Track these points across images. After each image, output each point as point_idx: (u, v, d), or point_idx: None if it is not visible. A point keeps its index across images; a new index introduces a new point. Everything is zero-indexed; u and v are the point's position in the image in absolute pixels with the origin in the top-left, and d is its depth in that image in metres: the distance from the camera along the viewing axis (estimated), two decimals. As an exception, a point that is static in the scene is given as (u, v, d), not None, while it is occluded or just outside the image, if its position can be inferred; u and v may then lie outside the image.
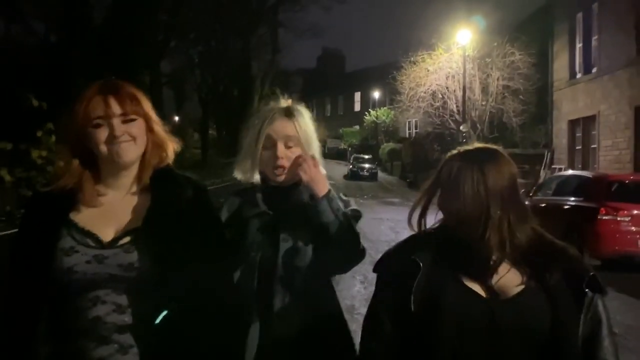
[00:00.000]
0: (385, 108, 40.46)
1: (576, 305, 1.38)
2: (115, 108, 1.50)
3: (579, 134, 18.17)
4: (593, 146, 17.12)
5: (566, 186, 9.77)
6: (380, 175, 33.49)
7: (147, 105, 1.57)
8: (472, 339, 1.36)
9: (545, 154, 19.71)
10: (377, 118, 40.80)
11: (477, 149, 1.50)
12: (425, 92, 23.11)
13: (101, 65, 10.61)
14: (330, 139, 44.57)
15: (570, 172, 12.48)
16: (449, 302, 1.38)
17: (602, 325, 1.41)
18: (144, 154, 1.57)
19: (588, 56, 17.71)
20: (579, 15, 18.06)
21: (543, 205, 10.00)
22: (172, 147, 1.61)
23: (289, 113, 1.87)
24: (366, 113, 42.92)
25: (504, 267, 1.42)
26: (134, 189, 1.58)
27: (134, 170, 1.58)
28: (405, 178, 30.61)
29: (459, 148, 1.54)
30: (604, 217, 8.21)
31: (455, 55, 22.23)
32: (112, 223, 1.53)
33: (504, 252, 1.41)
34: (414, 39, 24.28)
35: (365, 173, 31.25)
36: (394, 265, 1.51)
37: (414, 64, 23.48)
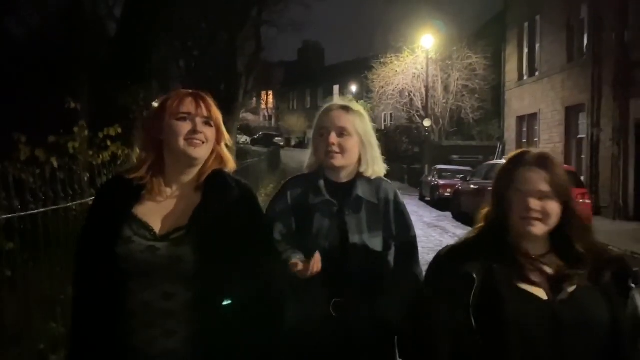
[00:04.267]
0: (362, 101, 42.40)
1: (622, 301, 1.42)
2: (202, 110, 1.64)
3: (524, 129, 20.52)
4: (535, 139, 19.43)
5: (490, 172, 12.26)
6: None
7: (221, 121, 1.71)
8: (537, 342, 1.37)
9: (498, 146, 22.17)
10: (354, 111, 42.79)
11: (543, 152, 1.53)
12: (393, 91, 25.60)
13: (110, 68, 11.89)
14: (310, 130, 46.19)
15: (493, 161, 14.78)
16: (509, 310, 1.38)
17: None
18: (206, 161, 1.68)
19: (532, 60, 20.04)
20: (526, 24, 20.38)
21: (475, 187, 12.51)
22: (231, 165, 1.73)
23: (345, 108, 1.96)
24: None
25: (558, 269, 1.44)
26: (191, 188, 1.67)
27: (194, 172, 1.67)
28: (379, 167, 32.87)
29: (524, 150, 1.55)
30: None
31: (420, 58, 24.78)
32: (167, 217, 1.62)
33: (564, 254, 1.44)
34: (383, 42, 26.73)
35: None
36: (446, 281, 1.47)
37: (384, 64, 25.96)
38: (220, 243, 1.58)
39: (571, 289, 1.42)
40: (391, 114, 36.69)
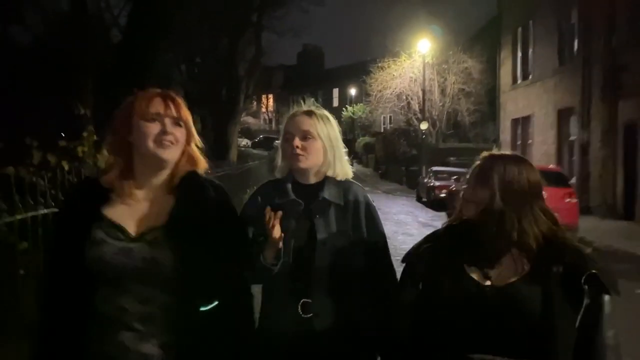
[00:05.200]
0: (361, 104, 42.68)
1: (572, 299, 1.49)
2: (171, 110, 1.61)
3: (519, 131, 20.97)
4: (529, 142, 19.91)
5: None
6: (356, 167, 36.05)
7: (191, 121, 1.67)
8: (464, 318, 1.53)
9: (494, 148, 22.53)
10: (353, 114, 42.92)
11: (507, 154, 1.68)
12: (391, 94, 26.12)
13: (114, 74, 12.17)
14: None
15: None
16: (446, 286, 1.57)
17: (600, 321, 1.48)
18: (177, 162, 1.65)
19: (526, 64, 20.49)
20: (519, 29, 20.86)
21: (468, 188, 12.96)
22: (202, 165, 1.69)
23: (308, 113, 2.02)
24: (344, 109, 44.72)
25: (507, 260, 1.56)
26: (163, 190, 1.64)
27: (165, 173, 1.64)
28: (378, 170, 33.38)
29: (491, 151, 1.70)
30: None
31: (417, 62, 25.27)
32: (140, 219, 1.60)
33: (509, 246, 1.56)
34: (381, 46, 27.28)
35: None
36: (411, 257, 1.72)
37: (381, 69, 26.48)
38: (197, 245, 1.57)
39: (513, 278, 1.53)
40: (390, 117, 37.06)
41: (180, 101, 1.65)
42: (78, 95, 10.88)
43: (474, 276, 1.57)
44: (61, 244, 1.59)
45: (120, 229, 1.58)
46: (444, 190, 16.30)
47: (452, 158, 22.90)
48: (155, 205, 1.63)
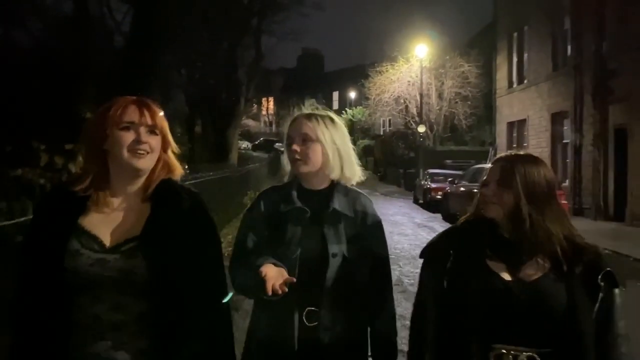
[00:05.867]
0: (360, 107, 43.00)
1: (591, 294, 1.57)
2: (145, 118, 1.58)
3: (514, 134, 21.32)
4: (524, 144, 20.16)
5: (476, 175, 13.12)
6: (355, 169, 36.42)
7: (167, 128, 1.64)
8: (491, 312, 1.57)
9: (490, 150, 23.00)
10: (353, 117, 43.09)
11: (523, 154, 1.70)
12: (389, 98, 26.55)
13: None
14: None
15: (479, 165, 15.54)
16: (473, 280, 1.60)
17: (613, 314, 1.57)
18: (153, 170, 1.63)
19: (521, 69, 20.90)
20: (515, 35, 21.26)
21: (462, 189, 13.37)
22: (179, 172, 1.68)
23: (309, 116, 1.97)
24: (343, 111, 44.54)
25: (529, 257, 1.60)
26: (139, 198, 1.62)
27: (141, 181, 1.62)
28: (377, 172, 33.78)
29: (509, 151, 1.74)
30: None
31: (414, 66, 25.75)
32: (115, 229, 1.57)
33: (535, 245, 1.59)
34: (379, 51, 27.72)
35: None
36: (432, 252, 1.75)
37: (380, 73, 26.92)
38: (173, 254, 1.55)
39: (536, 275, 1.58)
40: (389, 120, 37.44)
41: (156, 109, 1.64)
42: (82, 98, 11.19)
43: (500, 272, 1.60)
44: (34, 255, 1.55)
45: (96, 240, 1.55)
46: (440, 192, 16.66)
47: (448, 161, 23.30)
48: (130, 214, 1.61)
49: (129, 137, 1.57)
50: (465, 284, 1.61)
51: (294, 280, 1.71)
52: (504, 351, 1.56)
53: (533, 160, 1.67)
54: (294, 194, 1.96)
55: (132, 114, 1.58)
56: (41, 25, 18.51)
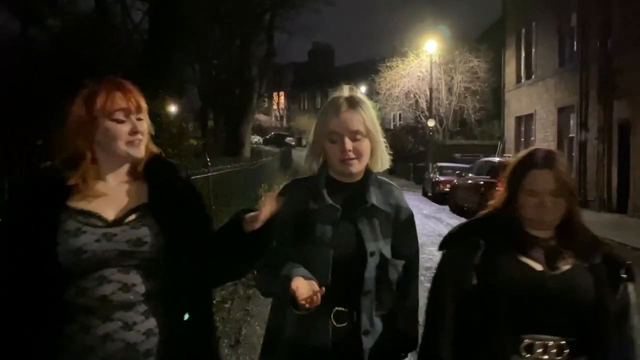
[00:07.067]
0: (371, 102, 43.16)
1: (612, 285, 1.62)
2: (133, 104, 1.53)
3: (522, 129, 21.69)
4: (532, 138, 20.51)
5: (483, 168, 13.63)
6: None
7: (146, 108, 1.59)
8: (524, 305, 1.57)
9: (498, 144, 23.36)
10: (363, 111, 43.86)
11: (550, 151, 1.69)
12: (399, 93, 27.02)
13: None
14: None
15: (486, 158, 15.91)
16: (504, 273, 1.59)
17: (630, 306, 1.62)
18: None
19: (529, 64, 21.21)
20: (523, 30, 21.57)
21: (469, 182, 13.86)
22: (154, 147, 1.64)
23: (353, 104, 1.77)
24: None
25: (557, 249, 1.64)
26: (128, 177, 1.60)
27: (129, 162, 1.59)
28: (387, 166, 34.16)
29: (532, 149, 1.72)
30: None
31: (424, 61, 26.15)
32: (112, 206, 1.53)
33: (564, 239, 1.64)
34: (389, 46, 28.14)
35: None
36: (457, 246, 1.71)
37: (390, 68, 27.37)
38: (179, 224, 1.54)
39: (566, 267, 1.61)
40: (400, 114, 37.84)
41: (136, 89, 1.59)
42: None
43: (530, 264, 1.62)
44: (19, 245, 1.46)
45: (95, 216, 1.51)
46: (448, 185, 17.13)
47: (457, 154, 23.71)
48: (125, 191, 1.58)
49: (124, 128, 1.54)
50: (498, 275, 1.60)
51: (324, 291, 1.59)
52: (535, 341, 1.58)
53: (558, 155, 1.70)
54: (324, 189, 1.80)
55: (120, 102, 1.53)
56: (60, 23, 19.12)
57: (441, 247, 1.77)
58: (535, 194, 1.63)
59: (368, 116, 1.79)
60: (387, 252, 1.79)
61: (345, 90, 1.83)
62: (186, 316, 1.54)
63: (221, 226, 1.66)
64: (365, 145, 1.78)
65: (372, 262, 1.75)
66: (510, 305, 1.58)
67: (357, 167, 1.79)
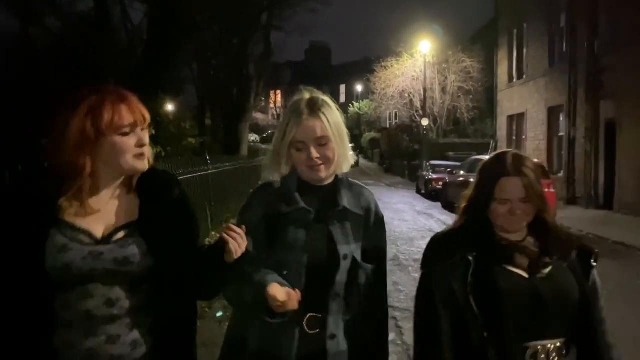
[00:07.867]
0: (367, 100, 43.25)
1: (585, 275, 1.68)
2: (140, 117, 1.51)
3: (514, 127, 22.08)
4: (523, 137, 21.00)
5: (474, 166, 14.03)
6: (362, 162, 37.50)
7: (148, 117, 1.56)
8: (524, 312, 1.59)
9: (491, 143, 23.71)
10: (360, 109, 43.85)
11: (518, 156, 1.69)
12: (394, 92, 27.46)
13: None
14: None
15: (477, 157, 16.27)
16: (501, 284, 1.59)
17: (598, 289, 1.71)
18: None
19: (520, 64, 21.61)
20: (515, 31, 21.95)
21: (460, 179, 14.28)
22: (151, 160, 1.59)
23: (314, 110, 1.73)
24: (350, 105, 45.60)
25: (535, 254, 1.66)
26: (121, 191, 1.57)
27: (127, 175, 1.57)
28: (382, 164, 34.67)
29: (508, 151, 1.73)
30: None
31: (418, 62, 26.59)
32: (101, 222, 1.51)
33: (540, 241, 1.68)
34: (384, 47, 28.61)
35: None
36: (443, 263, 1.66)
37: (385, 68, 27.81)
38: (167, 244, 1.52)
39: (547, 269, 1.64)
40: (395, 113, 38.16)
41: (137, 99, 1.55)
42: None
43: (519, 272, 1.64)
44: (6, 258, 1.44)
45: (84, 233, 1.48)
46: (440, 182, 17.55)
47: (451, 153, 24.15)
48: (115, 206, 1.55)
49: (130, 142, 1.51)
50: (496, 292, 1.59)
51: (300, 298, 1.61)
52: (537, 348, 1.60)
53: (539, 167, 1.95)
54: (296, 192, 1.77)
55: (127, 116, 1.50)
56: (59, 23, 19.34)
57: (424, 265, 1.74)
58: (505, 202, 1.64)
59: (332, 119, 1.75)
60: (358, 255, 1.77)
61: (305, 94, 1.79)
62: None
63: (206, 248, 1.66)
64: (331, 149, 1.75)
65: (344, 266, 1.73)
66: (514, 317, 1.59)
67: (325, 173, 1.77)
